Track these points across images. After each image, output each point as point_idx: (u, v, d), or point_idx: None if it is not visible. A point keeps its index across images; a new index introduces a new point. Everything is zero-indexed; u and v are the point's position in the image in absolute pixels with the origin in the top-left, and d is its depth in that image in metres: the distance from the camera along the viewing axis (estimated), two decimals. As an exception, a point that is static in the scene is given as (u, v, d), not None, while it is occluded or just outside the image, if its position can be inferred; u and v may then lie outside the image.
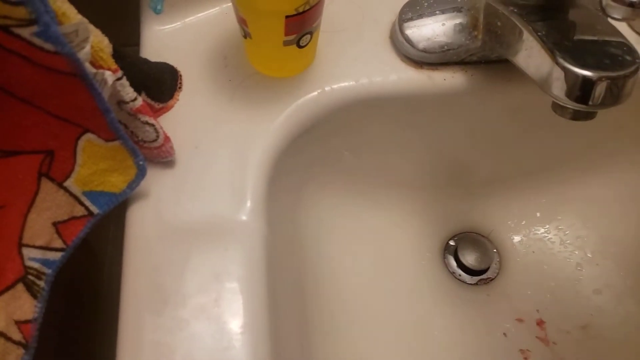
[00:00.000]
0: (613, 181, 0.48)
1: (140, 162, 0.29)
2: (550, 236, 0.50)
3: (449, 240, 0.51)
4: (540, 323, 0.46)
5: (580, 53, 0.29)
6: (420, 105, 0.39)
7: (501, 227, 0.51)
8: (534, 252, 0.50)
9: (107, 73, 0.24)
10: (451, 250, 0.51)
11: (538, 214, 0.51)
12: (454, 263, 0.50)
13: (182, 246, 0.31)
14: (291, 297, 0.38)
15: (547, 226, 0.50)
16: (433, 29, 0.38)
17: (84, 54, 0.22)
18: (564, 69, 0.28)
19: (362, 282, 0.47)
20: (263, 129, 0.35)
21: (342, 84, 0.37)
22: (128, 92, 0.26)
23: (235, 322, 0.29)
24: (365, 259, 0.48)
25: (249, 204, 0.33)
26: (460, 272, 0.49)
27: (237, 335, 0.29)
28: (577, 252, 0.49)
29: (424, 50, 0.37)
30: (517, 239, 0.51)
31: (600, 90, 0.27)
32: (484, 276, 0.49)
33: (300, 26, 0.32)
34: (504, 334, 0.45)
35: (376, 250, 0.49)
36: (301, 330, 0.38)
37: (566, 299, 0.47)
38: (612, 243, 0.48)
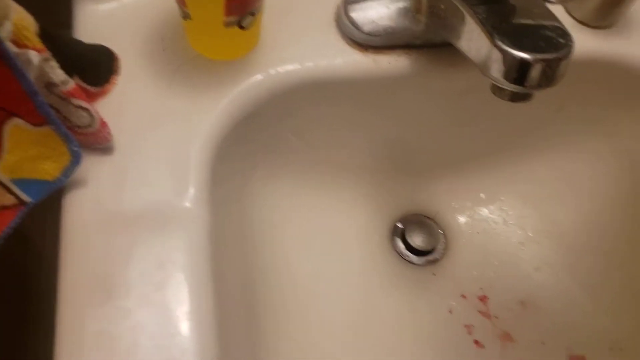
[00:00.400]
0: (553, 162, 0.50)
1: (75, 149, 0.28)
2: (494, 217, 0.52)
3: (397, 222, 0.52)
4: (483, 299, 0.47)
5: (518, 36, 0.29)
6: (366, 88, 0.39)
7: (447, 209, 0.52)
8: (478, 232, 0.51)
9: (32, 53, 0.22)
10: (398, 232, 0.51)
11: (482, 196, 0.52)
12: (401, 245, 0.51)
13: (123, 234, 0.30)
14: (239, 283, 0.38)
15: (491, 207, 0.52)
16: (378, 12, 0.38)
17: (5, 31, 0.20)
18: (502, 51, 0.29)
19: (311, 266, 0.47)
20: (205, 115, 0.34)
21: (287, 67, 0.36)
22: (58, 74, 0.25)
23: (180, 309, 0.29)
24: (315, 243, 0.48)
25: (191, 190, 0.32)
26: (407, 253, 0.50)
27: (183, 322, 0.28)
28: (519, 232, 0.51)
29: (369, 34, 0.37)
30: (462, 220, 0.52)
31: (536, 72, 0.28)
32: (430, 257, 0.50)
33: (242, 7, 0.31)
34: (450, 311, 0.47)
35: (325, 235, 0.49)
36: (250, 315, 0.38)
37: (508, 276, 0.49)
38: (551, 222, 0.50)
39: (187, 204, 0.31)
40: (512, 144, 0.51)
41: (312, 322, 0.43)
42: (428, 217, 0.52)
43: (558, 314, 0.46)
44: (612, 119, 0.47)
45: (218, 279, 0.31)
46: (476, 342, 0.45)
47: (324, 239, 0.48)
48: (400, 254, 0.50)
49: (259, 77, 0.36)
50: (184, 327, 0.28)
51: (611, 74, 0.43)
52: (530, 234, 0.50)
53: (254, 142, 0.39)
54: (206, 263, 0.30)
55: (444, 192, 0.53)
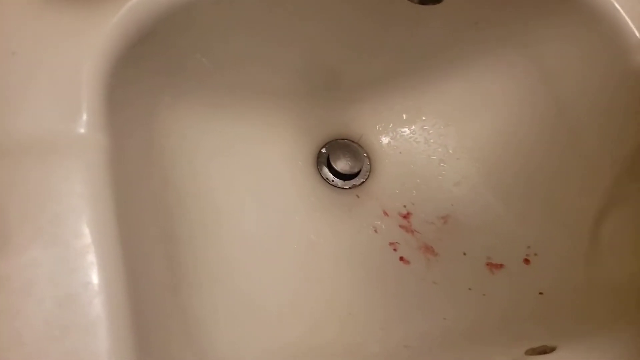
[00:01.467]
0: (470, 79, 0.50)
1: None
2: (416, 136, 0.52)
3: (321, 148, 0.51)
4: (406, 216, 0.48)
5: None
6: None
7: (370, 132, 0.52)
8: (401, 152, 0.52)
9: None
10: (323, 157, 0.51)
11: (404, 116, 0.52)
12: (326, 170, 0.50)
13: (11, 167, 0.28)
14: (151, 210, 0.36)
15: (413, 127, 0.52)
16: None
17: None
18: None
19: (231, 194, 0.45)
20: (95, 33, 0.31)
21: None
22: None
23: (79, 241, 0.27)
24: (235, 173, 0.46)
25: (85, 115, 0.29)
26: (332, 177, 0.50)
27: (83, 255, 0.27)
28: (439, 150, 0.51)
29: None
30: (385, 141, 0.52)
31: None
32: (355, 180, 0.50)
33: None
34: (375, 230, 0.47)
35: (246, 164, 0.47)
36: (167, 246, 0.37)
37: (430, 193, 0.50)
38: (470, 139, 0.51)
39: (82, 130, 0.29)
40: (430, 62, 0.50)
41: (236, 251, 0.43)
42: (352, 141, 0.52)
43: (477, 225, 0.48)
44: (526, 29, 0.47)
45: (123, 208, 0.30)
46: (402, 258, 0.46)
47: (246, 168, 0.47)
48: (326, 179, 0.50)
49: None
50: (85, 260, 0.26)
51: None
52: (451, 151, 0.51)
53: (156, 63, 0.36)
54: (107, 191, 0.28)
55: (367, 114, 0.52)
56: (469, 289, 0.44)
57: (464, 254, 0.46)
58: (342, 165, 0.50)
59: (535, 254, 0.44)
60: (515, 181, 0.47)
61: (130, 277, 0.28)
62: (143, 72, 0.35)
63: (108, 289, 0.26)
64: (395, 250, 0.46)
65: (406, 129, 0.52)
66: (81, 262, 0.26)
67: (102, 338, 0.25)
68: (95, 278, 0.26)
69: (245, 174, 0.47)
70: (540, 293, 0.41)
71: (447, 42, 0.49)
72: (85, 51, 0.31)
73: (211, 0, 0.35)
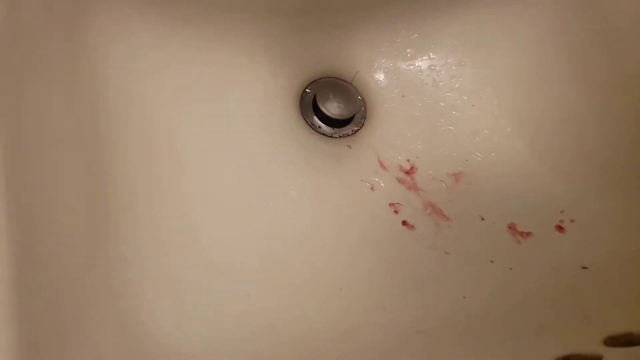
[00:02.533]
0: (493, 8, 0.41)
1: None
2: (423, 77, 0.42)
3: (306, 87, 0.41)
4: (409, 172, 0.38)
5: None
6: None
7: (367, 69, 0.42)
8: (403, 96, 0.42)
9: None
10: (308, 98, 0.41)
11: (408, 51, 0.42)
12: (312, 114, 0.40)
13: None
14: (69, 144, 0.25)
15: (419, 65, 0.42)
16: None
17: None
18: None
19: (194, 139, 0.35)
20: None
21: None
22: None
23: None
24: (196, 107, 0.36)
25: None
26: (320, 123, 0.40)
27: None
28: (450, 94, 0.42)
29: None
30: (384, 82, 0.42)
31: None
32: (347, 128, 0.41)
33: None
34: (371, 187, 0.37)
35: (211, 98, 0.37)
36: (92, 198, 0.26)
37: (438, 145, 0.40)
38: (488, 79, 0.41)
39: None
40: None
41: (194, 204, 0.32)
42: (344, 80, 0.42)
43: (498, 184, 0.38)
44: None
45: (15, 119, 0.19)
46: (405, 222, 0.36)
47: (209, 101, 0.36)
48: (312, 125, 0.40)
49: None
50: None
51: None
52: (465, 97, 0.42)
53: None
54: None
55: (363, 47, 0.42)
56: (491, 261, 0.34)
57: (482, 218, 0.37)
58: (331, 108, 0.40)
59: (572, 220, 0.36)
60: (548, 130, 0.38)
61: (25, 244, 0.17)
62: None
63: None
64: (396, 212, 0.37)
65: (410, 67, 0.42)
66: None
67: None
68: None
69: (210, 110, 0.37)
70: (584, 267, 0.32)
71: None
72: None
73: None
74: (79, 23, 0.27)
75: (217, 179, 0.35)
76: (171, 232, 0.31)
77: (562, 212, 0.36)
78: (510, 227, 0.36)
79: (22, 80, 0.21)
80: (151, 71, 0.33)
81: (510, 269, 0.34)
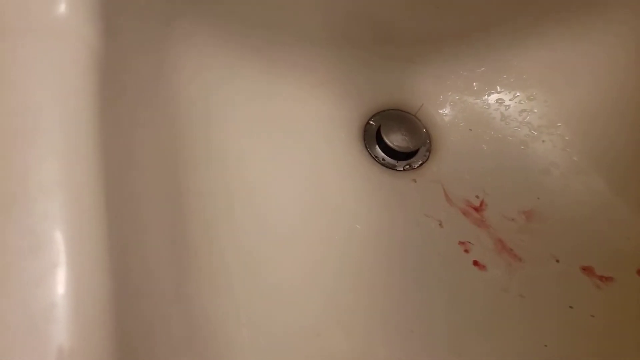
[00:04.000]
0: (563, 43, 0.40)
1: None
2: (490, 111, 0.41)
3: (370, 119, 0.40)
4: (478, 209, 0.37)
5: None
6: None
7: (432, 102, 0.41)
8: (470, 130, 0.41)
9: None
10: (372, 130, 0.40)
11: (475, 85, 0.41)
12: (376, 145, 0.39)
13: None
14: (154, 171, 0.25)
15: (486, 98, 0.41)
16: None
17: None
18: None
19: (261, 170, 0.35)
20: None
21: None
22: None
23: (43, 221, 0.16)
24: (263, 139, 0.36)
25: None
26: (384, 155, 0.39)
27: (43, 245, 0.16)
28: (521, 129, 0.40)
29: None
30: (450, 115, 0.41)
31: None
32: (413, 160, 0.40)
33: None
34: (440, 223, 0.36)
35: (278, 130, 0.37)
36: (174, 229, 0.26)
37: (509, 182, 0.39)
38: (561, 114, 0.40)
39: (62, 11, 0.18)
40: (510, 19, 0.40)
41: (259, 235, 0.32)
42: (408, 112, 0.41)
43: (573, 223, 0.37)
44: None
45: (114, 151, 0.19)
46: (476, 262, 0.35)
47: (277, 131, 0.36)
48: (376, 157, 0.39)
49: None
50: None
51: None
52: (535, 132, 0.40)
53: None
54: (88, 107, 0.17)
55: (428, 80, 0.41)
56: (570, 307, 0.32)
57: (557, 260, 0.35)
58: (395, 140, 0.39)
59: (657, 265, 0.33)
60: (626, 166, 0.36)
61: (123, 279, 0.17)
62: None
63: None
64: (466, 251, 0.35)
65: (477, 101, 0.41)
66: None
67: None
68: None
69: (277, 142, 0.36)
70: (675, 318, 0.30)
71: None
72: None
73: None
74: (165, 58, 0.27)
75: (280, 210, 0.34)
76: (238, 265, 0.31)
77: (645, 255, 0.34)
78: (586, 270, 0.34)
79: (113, 73, 0.21)
80: (223, 104, 0.33)
81: (592, 316, 0.32)
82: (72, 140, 0.17)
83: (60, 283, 0.15)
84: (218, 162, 0.32)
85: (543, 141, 0.40)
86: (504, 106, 0.41)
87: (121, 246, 0.19)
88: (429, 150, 0.40)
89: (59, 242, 0.16)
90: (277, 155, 0.36)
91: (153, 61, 0.27)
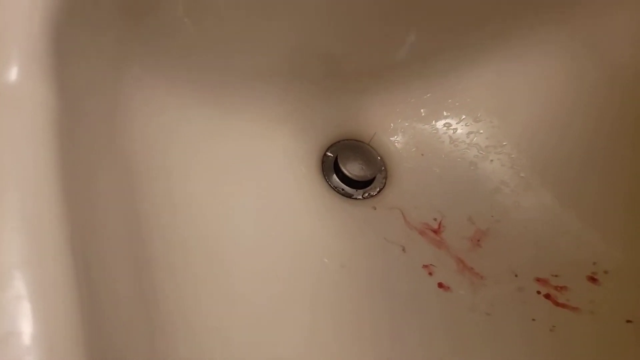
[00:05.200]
0: (504, 64, 0.42)
1: None
2: (439, 135, 0.43)
3: (326, 150, 0.41)
4: (436, 231, 0.38)
5: None
6: None
7: (383, 130, 0.43)
8: (422, 154, 0.42)
9: None
10: (330, 161, 0.41)
11: (423, 111, 0.43)
12: (334, 176, 0.40)
13: None
14: (114, 218, 0.24)
15: (434, 123, 0.43)
16: None
17: None
18: None
19: (221, 209, 0.34)
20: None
21: None
22: None
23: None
24: (222, 178, 0.35)
25: (17, 56, 0.18)
26: (343, 186, 0.40)
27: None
28: (468, 150, 0.42)
29: None
30: (401, 142, 0.43)
31: None
32: (370, 187, 0.41)
33: None
34: (402, 249, 0.37)
35: (237, 168, 0.37)
36: (138, 266, 0.25)
37: (463, 202, 0.40)
38: (505, 135, 0.42)
39: (14, 77, 0.17)
40: (452, 46, 0.42)
41: (229, 274, 0.32)
42: (362, 142, 0.42)
43: (526, 237, 0.38)
44: (568, 5, 0.39)
45: (74, 205, 0.18)
46: (440, 284, 0.36)
47: (236, 171, 0.36)
48: (335, 188, 0.40)
49: None
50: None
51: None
52: (482, 152, 0.42)
53: (125, 12, 0.25)
54: (48, 174, 0.17)
55: (377, 109, 0.43)
56: (533, 319, 0.34)
57: (516, 275, 0.37)
58: (352, 170, 0.40)
59: (606, 271, 0.36)
60: (572, 179, 0.39)
61: (91, 326, 0.16)
62: (107, 18, 0.24)
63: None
64: (430, 274, 0.36)
65: (426, 126, 0.43)
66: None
67: None
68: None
69: (236, 181, 0.36)
70: (629, 321, 0.32)
71: (476, 19, 0.40)
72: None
73: None
74: (118, 103, 0.27)
75: (250, 252, 0.34)
76: (211, 310, 0.30)
77: (594, 263, 0.36)
78: (541, 282, 0.36)
79: (69, 130, 0.20)
80: (181, 145, 0.33)
81: (553, 326, 0.33)
82: (33, 198, 0.17)
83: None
84: (180, 207, 0.31)
85: (491, 160, 0.42)
86: (452, 129, 0.43)
87: (90, 295, 0.18)
88: (385, 177, 0.41)
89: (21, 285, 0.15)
90: (238, 194, 0.35)
91: (107, 108, 0.26)
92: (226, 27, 0.31)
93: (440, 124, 0.43)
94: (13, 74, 0.18)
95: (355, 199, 0.40)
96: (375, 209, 0.40)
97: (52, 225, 0.17)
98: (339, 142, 0.42)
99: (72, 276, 0.17)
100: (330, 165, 0.41)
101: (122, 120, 0.27)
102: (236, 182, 0.35)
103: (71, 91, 0.20)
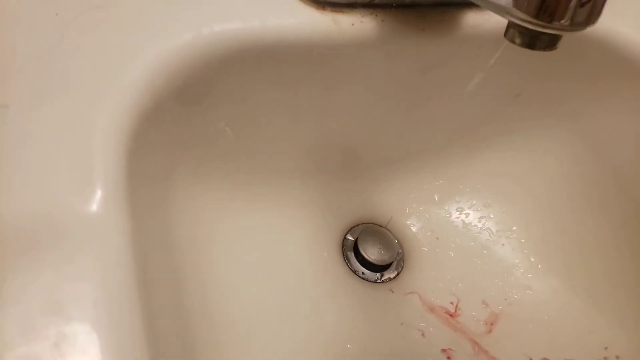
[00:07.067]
0: (510, 155, 0.45)
1: None
2: (452, 219, 0.46)
3: (346, 234, 0.44)
4: (453, 315, 0.40)
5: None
6: (324, 57, 0.31)
7: (399, 215, 0.45)
8: (437, 238, 0.45)
9: None
10: (350, 245, 0.43)
11: (436, 197, 0.46)
12: (354, 260, 0.43)
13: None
14: (170, 319, 0.27)
15: (447, 208, 0.46)
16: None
17: None
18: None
19: (252, 291, 0.37)
20: (114, 88, 0.24)
21: (226, 26, 0.27)
22: None
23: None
24: (254, 262, 0.38)
25: (100, 189, 0.21)
26: (363, 269, 0.42)
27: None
28: (480, 234, 0.45)
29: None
30: (417, 225, 0.45)
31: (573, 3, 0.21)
32: (389, 272, 0.43)
33: None
34: (422, 333, 0.39)
35: (265, 252, 0.39)
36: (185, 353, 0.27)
37: (477, 286, 0.43)
38: (512, 220, 0.45)
39: (95, 208, 0.21)
40: (463, 136, 0.46)
41: (257, 353, 0.33)
42: (380, 225, 0.45)
43: (538, 321, 0.40)
44: (571, 100, 0.43)
45: (148, 320, 0.21)
46: (458, 367, 0.37)
47: (265, 257, 0.39)
48: (355, 271, 0.42)
49: (188, 37, 0.26)
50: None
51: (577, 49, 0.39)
52: (493, 236, 0.45)
53: (179, 129, 0.29)
54: (130, 295, 0.20)
55: (394, 195, 0.46)
56: (549, 404, 0.35)
57: (530, 359, 0.38)
58: (372, 254, 0.42)
59: (617, 357, 0.37)
60: (581, 264, 0.41)
61: None
62: (164, 137, 0.28)
63: None
64: (449, 358, 0.38)
65: (440, 211, 0.46)
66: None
67: None
68: None
69: (265, 268, 0.39)
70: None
71: (484, 114, 0.44)
72: (100, 108, 0.23)
73: (250, 58, 0.29)
74: (167, 200, 0.30)
75: (271, 331, 0.36)
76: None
77: (605, 348, 0.38)
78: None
79: (142, 247, 0.23)
80: (214, 236, 0.36)
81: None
82: (115, 297, 0.20)
83: None
84: (218, 293, 0.34)
85: (502, 244, 0.44)
86: (464, 214, 0.46)
87: None
88: (402, 260, 0.44)
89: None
90: (268, 282, 0.38)
91: (161, 214, 0.29)
92: (261, 134, 0.35)
93: (453, 208, 0.46)
94: (95, 204, 0.21)
95: (375, 282, 0.42)
96: (392, 291, 0.42)
97: (131, 320, 0.19)
98: (357, 225, 0.45)
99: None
100: (350, 248, 0.43)
101: (173, 222, 0.31)
102: (266, 270, 0.38)
103: (139, 210, 0.23)
